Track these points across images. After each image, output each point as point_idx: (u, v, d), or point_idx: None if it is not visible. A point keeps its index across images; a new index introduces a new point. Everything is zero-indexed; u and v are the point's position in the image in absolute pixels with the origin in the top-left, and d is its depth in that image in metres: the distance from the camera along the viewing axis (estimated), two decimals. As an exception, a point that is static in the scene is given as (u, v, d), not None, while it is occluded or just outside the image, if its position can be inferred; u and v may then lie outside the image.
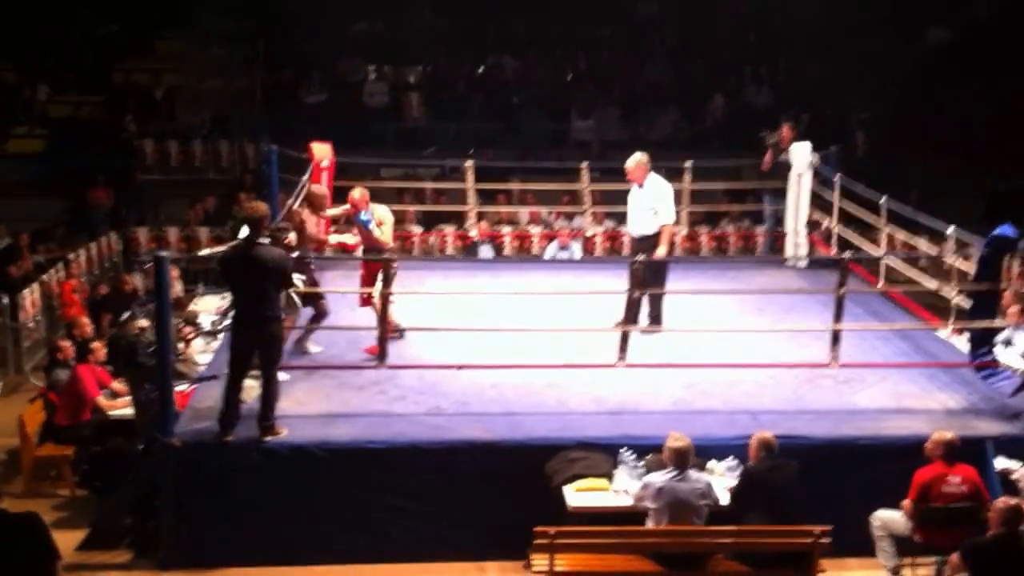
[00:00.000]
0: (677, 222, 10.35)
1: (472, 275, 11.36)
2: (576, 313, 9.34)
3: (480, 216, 13.00)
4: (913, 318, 9.98)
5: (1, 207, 14.01)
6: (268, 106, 16.78)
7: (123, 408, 8.74)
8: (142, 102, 16.57)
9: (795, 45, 18.19)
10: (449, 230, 13.78)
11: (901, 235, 11.18)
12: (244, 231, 9.29)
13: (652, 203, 9.27)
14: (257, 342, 7.30)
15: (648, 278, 8.98)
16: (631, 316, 8.90)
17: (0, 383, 11.24)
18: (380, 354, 8.27)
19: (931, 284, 9.73)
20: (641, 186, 9.36)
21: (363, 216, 8.95)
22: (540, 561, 6.48)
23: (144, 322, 8.72)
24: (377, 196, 13.79)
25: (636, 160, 9.38)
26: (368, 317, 8.82)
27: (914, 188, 14.63)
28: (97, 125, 16.26)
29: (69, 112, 16.50)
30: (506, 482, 7.27)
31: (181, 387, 8.14)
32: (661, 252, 9.15)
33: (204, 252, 12.02)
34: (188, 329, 9.27)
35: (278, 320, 7.39)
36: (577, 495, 6.96)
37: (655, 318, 9.37)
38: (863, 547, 7.07)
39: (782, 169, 11.85)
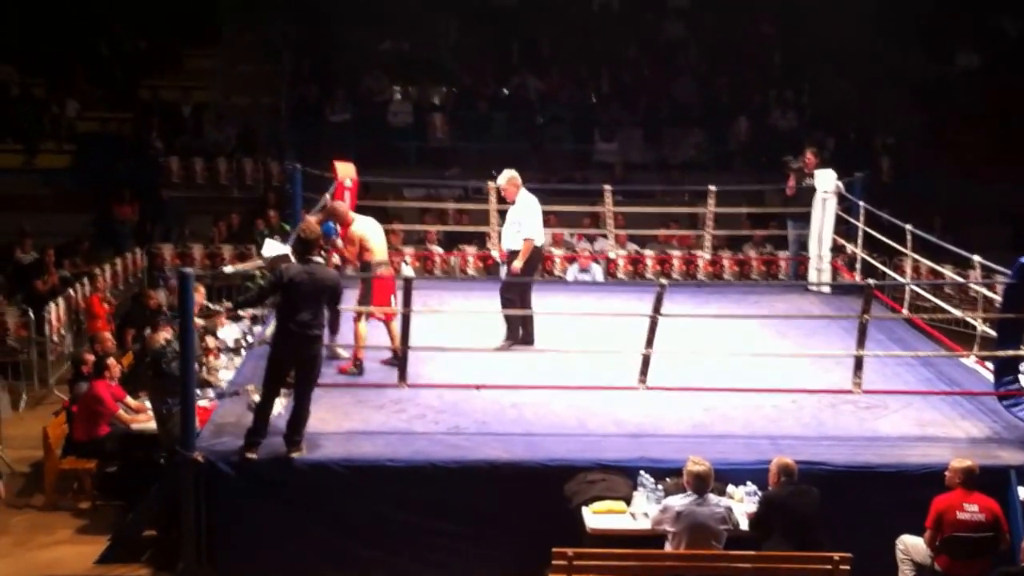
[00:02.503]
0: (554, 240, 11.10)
1: (493, 295, 11.34)
2: (597, 335, 9.33)
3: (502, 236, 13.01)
4: (937, 345, 9.91)
5: (28, 221, 14.13)
6: (293, 124, 16.91)
7: (145, 422, 8.80)
8: (169, 118, 16.72)
9: (821, 68, 18.17)
10: (471, 250, 13.81)
11: (926, 262, 11.12)
12: (268, 247, 9.41)
13: (518, 218, 9.49)
14: (299, 359, 7.32)
15: (511, 295, 9.27)
16: (511, 333, 9.36)
17: (25, 396, 11.33)
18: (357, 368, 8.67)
19: (956, 312, 9.67)
20: (513, 203, 9.61)
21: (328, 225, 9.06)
22: (558, 583, 6.46)
23: (168, 333, 8.77)
24: (400, 215, 14.06)
25: (508, 177, 9.66)
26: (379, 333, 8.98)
27: (939, 214, 14.58)
28: (124, 141, 16.42)
29: (97, 128, 16.66)
30: (525, 503, 7.25)
31: (203, 402, 8.19)
32: (516, 266, 9.36)
33: (228, 269, 12.13)
34: (210, 339, 9.33)
35: (321, 340, 7.45)
36: (596, 517, 6.94)
37: (526, 337, 9.49)
38: (883, 575, 7.00)
39: (805, 194, 11.82)
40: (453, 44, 18.44)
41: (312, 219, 8.54)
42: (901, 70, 17.82)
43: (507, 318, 9.45)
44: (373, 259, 8.85)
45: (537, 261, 9.71)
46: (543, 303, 10.80)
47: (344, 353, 9.10)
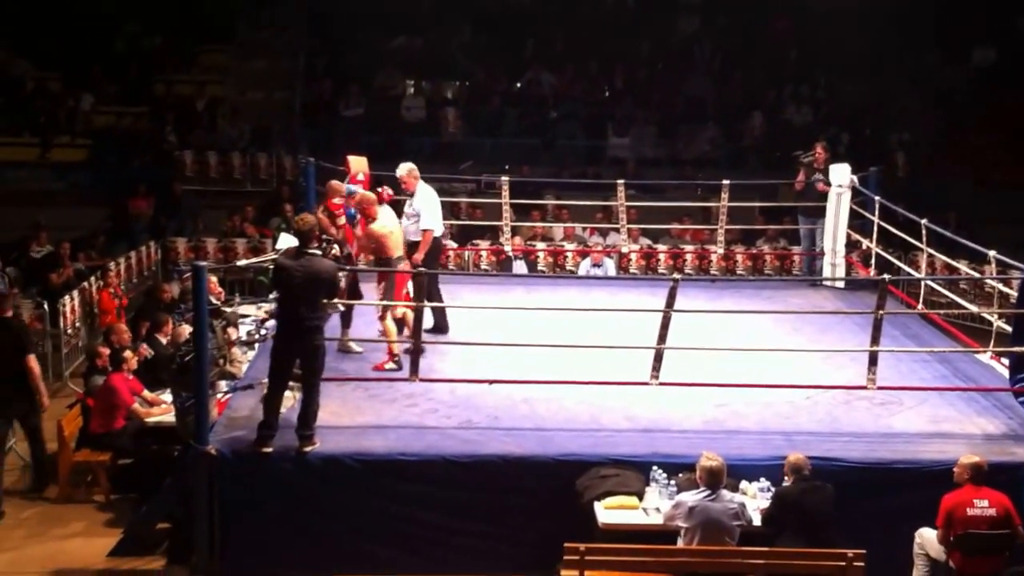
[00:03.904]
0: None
1: (506, 290, 11.36)
2: (609, 330, 9.31)
3: (515, 231, 13.02)
4: (952, 341, 9.85)
5: (43, 215, 14.20)
6: (307, 119, 16.94)
7: (160, 415, 8.83)
8: (183, 113, 16.77)
9: (836, 64, 18.09)
10: (484, 245, 13.81)
11: (942, 257, 11.05)
12: (282, 240, 9.45)
13: (416, 210, 9.54)
14: (300, 351, 7.34)
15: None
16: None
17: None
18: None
19: (971, 307, 9.60)
20: (412, 194, 9.63)
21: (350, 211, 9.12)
22: (570, 577, 6.46)
23: (188, 328, 8.80)
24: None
25: (407, 169, 9.71)
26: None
27: (953, 210, 14.50)
28: (139, 136, 16.48)
29: (112, 122, 16.73)
30: (536, 497, 7.26)
31: (219, 394, 8.20)
32: (417, 257, 9.38)
33: (242, 262, 12.16)
34: (232, 331, 9.36)
35: (321, 330, 7.47)
36: (608, 512, 6.93)
37: (439, 327, 9.53)
38: (898, 572, 6.98)
39: (816, 189, 11.77)
40: (466, 40, 18.43)
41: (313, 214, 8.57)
42: (916, 66, 17.71)
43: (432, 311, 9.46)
44: (394, 254, 8.89)
45: (437, 251, 9.77)
46: (556, 298, 10.82)
47: (356, 348, 9.10)
